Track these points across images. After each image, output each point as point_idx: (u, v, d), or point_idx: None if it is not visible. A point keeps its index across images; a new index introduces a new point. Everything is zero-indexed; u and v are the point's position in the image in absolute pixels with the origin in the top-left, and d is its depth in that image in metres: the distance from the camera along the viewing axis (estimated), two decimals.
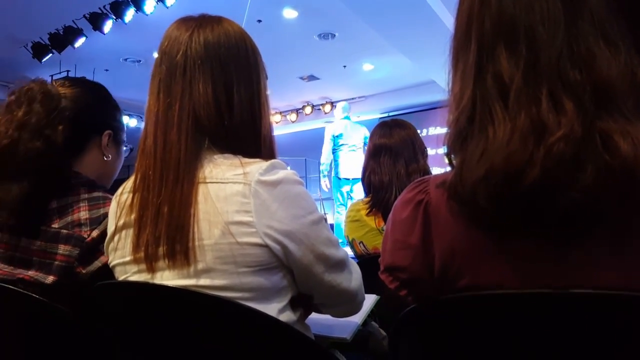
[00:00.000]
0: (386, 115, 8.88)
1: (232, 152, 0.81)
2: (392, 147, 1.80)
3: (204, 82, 0.81)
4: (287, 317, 0.79)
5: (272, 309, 0.76)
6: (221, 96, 0.81)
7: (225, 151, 0.81)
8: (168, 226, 0.74)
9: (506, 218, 0.54)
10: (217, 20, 0.87)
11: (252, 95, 0.86)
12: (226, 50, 0.84)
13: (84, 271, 0.95)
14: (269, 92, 0.91)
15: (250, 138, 0.85)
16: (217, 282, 0.73)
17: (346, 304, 0.89)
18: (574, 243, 0.53)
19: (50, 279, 0.94)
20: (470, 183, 0.54)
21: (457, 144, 0.60)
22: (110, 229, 0.84)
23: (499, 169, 0.52)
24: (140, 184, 0.79)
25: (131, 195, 0.80)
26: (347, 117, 5.95)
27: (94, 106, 1.15)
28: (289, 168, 0.80)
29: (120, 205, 0.82)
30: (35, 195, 0.97)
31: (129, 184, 0.83)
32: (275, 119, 9.61)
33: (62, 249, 0.95)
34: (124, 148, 1.24)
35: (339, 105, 6.11)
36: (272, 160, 0.78)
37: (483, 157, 0.54)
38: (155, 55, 0.87)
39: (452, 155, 0.61)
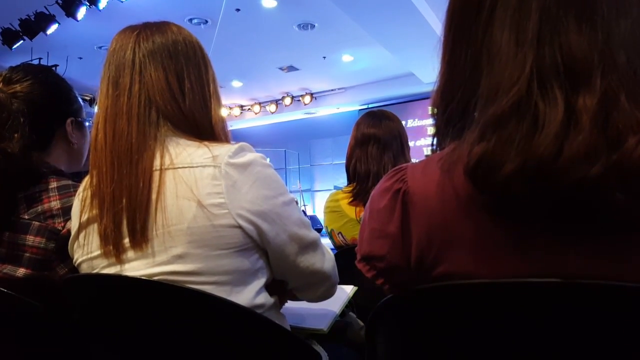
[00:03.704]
0: (366, 107, 8.90)
1: (193, 137, 0.81)
2: (381, 138, 1.78)
3: (155, 70, 0.82)
4: (264, 298, 0.80)
5: (249, 291, 0.77)
6: (173, 82, 0.83)
7: (188, 136, 0.81)
8: (129, 213, 0.74)
9: (531, 207, 0.51)
10: (163, 23, 0.89)
11: (203, 84, 0.87)
12: (174, 43, 0.85)
13: (62, 264, 0.94)
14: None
15: (206, 125, 0.86)
16: (191, 266, 0.73)
17: (320, 285, 0.90)
18: (590, 238, 0.51)
19: (21, 271, 0.91)
20: (506, 164, 0.49)
21: (492, 121, 0.52)
22: (75, 227, 0.83)
23: (546, 157, 0.47)
24: (96, 178, 0.78)
25: (90, 191, 0.80)
26: None
27: (50, 98, 1.09)
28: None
29: (81, 202, 0.82)
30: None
31: (87, 181, 0.82)
32: (254, 109, 9.54)
33: (32, 240, 0.93)
34: (87, 124, 1.21)
35: None
36: (240, 143, 0.79)
37: (526, 140, 0.49)
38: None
39: (483, 135, 0.53)
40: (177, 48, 0.85)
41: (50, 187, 0.98)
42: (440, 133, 0.65)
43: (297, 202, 0.85)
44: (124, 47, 0.83)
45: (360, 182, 1.78)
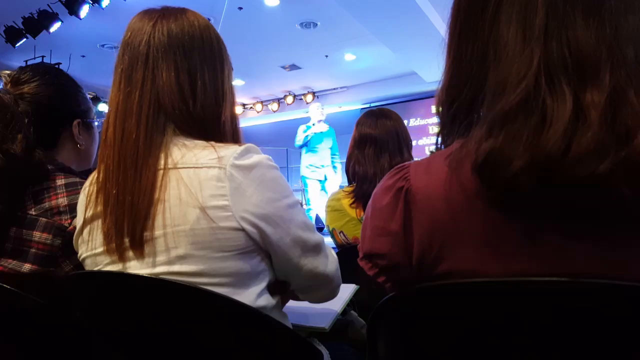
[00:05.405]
0: (368, 106, 8.89)
1: (200, 138, 0.81)
2: (377, 138, 1.77)
3: (167, 70, 0.81)
4: (266, 300, 0.79)
5: (250, 293, 0.77)
6: (184, 83, 0.81)
7: (193, 137, 0.81)
8: (131, 215, 0.74)
9: (537, 203, 0.51)
10: (181, 11, 0.87)
11: (216, 83, 0.86)
12: (190, 39, 0.84)
13: (67, 261, 0.94)
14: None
15: (215, 125, 0.85)
16: (193, 267, 0.72)
17: (323, 288, 0.90)
18: (593, 237, 0.51)
19: (26, 267, 0.92)
20: (514, 161, 0.49)
21: (499, 117, 0.52)
22: (79, 222, 0.83)
23: (554, 153, 0.47)
24: (103, 175, 0.79)
25: (96, 186, 0.80)
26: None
27: (57, 100, 1.09)
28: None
29: (87, 197, 0.82)
30: (6, 212, 0.94)
31: (95, 176, 0.82)
32: (256, 108, 9.54)
33: (39, 236, 0.93)
34: (96, 124, 1.21)
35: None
36: (247, 145, 0.78)
37: (534, 136, 0.48)
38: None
39: (489, 129, 0.52)
40: (192, 44, 0.83)
41: (57, 184, 0.99)
42: (446, 130, 0.64)
43: (301, 204, 0.85)
44: (138, 38, 0.82)
45: (359, 183, 1.78)
